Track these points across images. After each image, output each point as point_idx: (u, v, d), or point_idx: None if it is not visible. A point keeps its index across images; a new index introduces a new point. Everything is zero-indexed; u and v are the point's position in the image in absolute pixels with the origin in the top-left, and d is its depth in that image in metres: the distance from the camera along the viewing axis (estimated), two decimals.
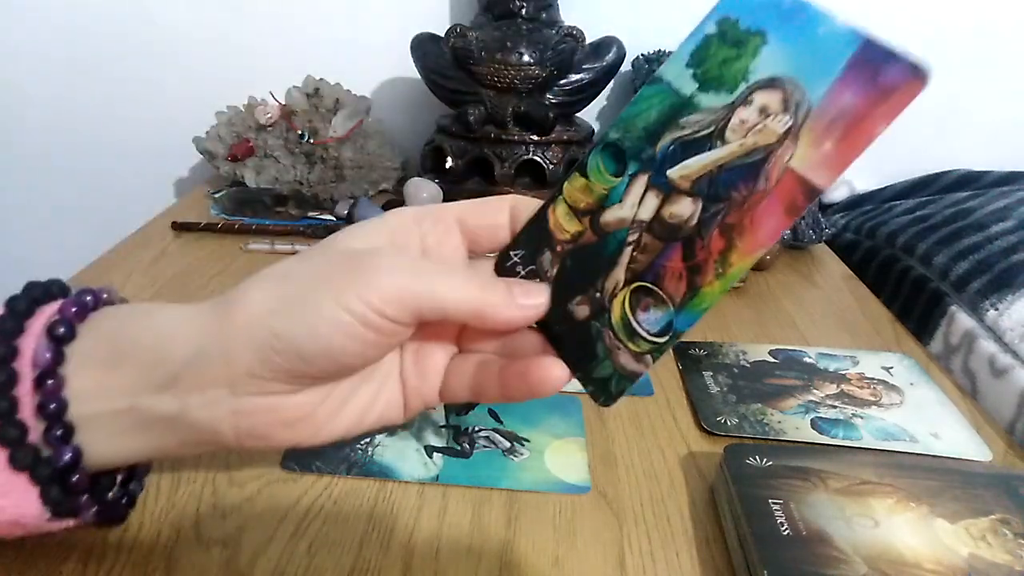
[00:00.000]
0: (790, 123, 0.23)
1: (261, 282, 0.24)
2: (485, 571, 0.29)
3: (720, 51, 0.24)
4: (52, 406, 0.24)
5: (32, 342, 0.24)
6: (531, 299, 0.25)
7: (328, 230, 0.61)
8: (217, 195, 0.69)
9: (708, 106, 0.23)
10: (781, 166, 0.23)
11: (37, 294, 0.26)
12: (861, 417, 0.40)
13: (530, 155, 0.60)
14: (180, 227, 0.61)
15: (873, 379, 0.44)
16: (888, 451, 0.38)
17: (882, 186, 0.77)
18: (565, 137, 0.61)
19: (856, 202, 0.76)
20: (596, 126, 0.75)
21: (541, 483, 0.34)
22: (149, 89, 0.79)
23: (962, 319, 0.52)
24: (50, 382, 0.24)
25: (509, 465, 0.35)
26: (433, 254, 0.26)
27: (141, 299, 0.49)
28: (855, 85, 0.23)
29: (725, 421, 0.39)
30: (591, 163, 0.26)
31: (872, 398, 0.42)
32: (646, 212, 0.25)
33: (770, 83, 0.23)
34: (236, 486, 0.32)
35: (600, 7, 0.72)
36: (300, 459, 0.34)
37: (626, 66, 0.67)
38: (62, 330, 0.24)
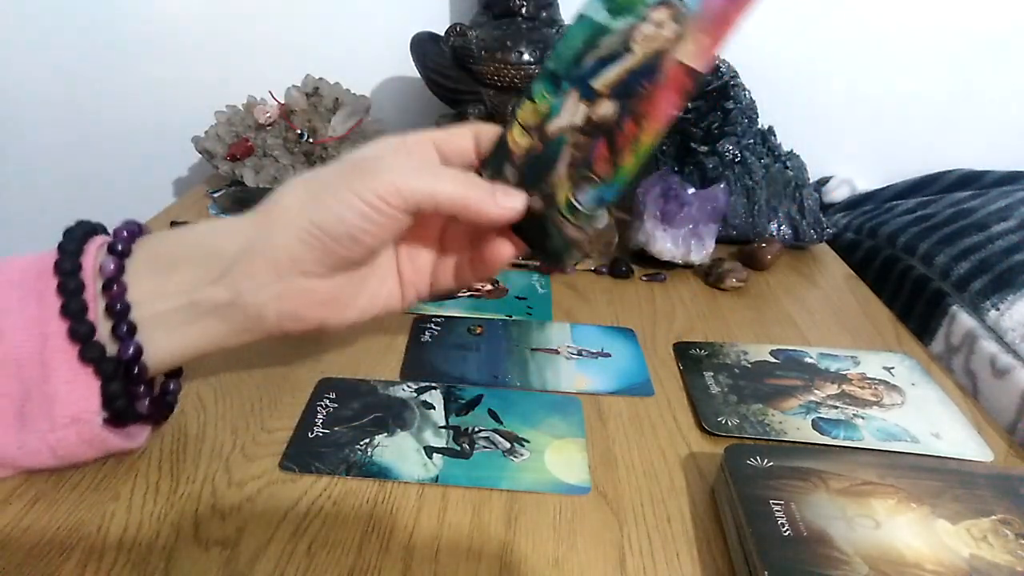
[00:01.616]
0: (677, 29, 0.30)
1: (291, 188, 0.30)
2: (485, 571, 0.29)
3: None
4: (118, 307, 0.29)
5: (91, 260, 0.30)
6: (510, 200, 0.32)
7: None
8: (216, 195, 0.69)
9: (618, 28, 0.31)
10: (673, 61, 0.30)
11: (88, 228, 0.32)
12: (862, 417, 0.40)
13: None
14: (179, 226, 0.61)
15: (874, 379, 0.44)
16: (889, 451, 0.38)
17: (883, 186, 0.77)
18: None
19: (857, 202, 0.76)
20: None
21: (541, 484, 0.34)
22: (148, 89, 0.79)
23: (963, 319, 0.52)
24: (115, 287, 0.29)
25: (509, 466, 0.35)
26: None
27: None
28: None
29: (726, 421, 0.39)
30: (535, 89, 0.33)
31: (873, 398, 0.42)
32: (579, 118, 0.32)
33: (661, 3, 0.31)
34: (236, 486, 0.32)
35: None
36: (300, 459, 0.34)
37: None
38: (120, 247, 0.30)
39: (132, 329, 0.29)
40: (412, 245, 0.35)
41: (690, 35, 0.31)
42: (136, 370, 0.30)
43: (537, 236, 0.34)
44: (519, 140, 0.33)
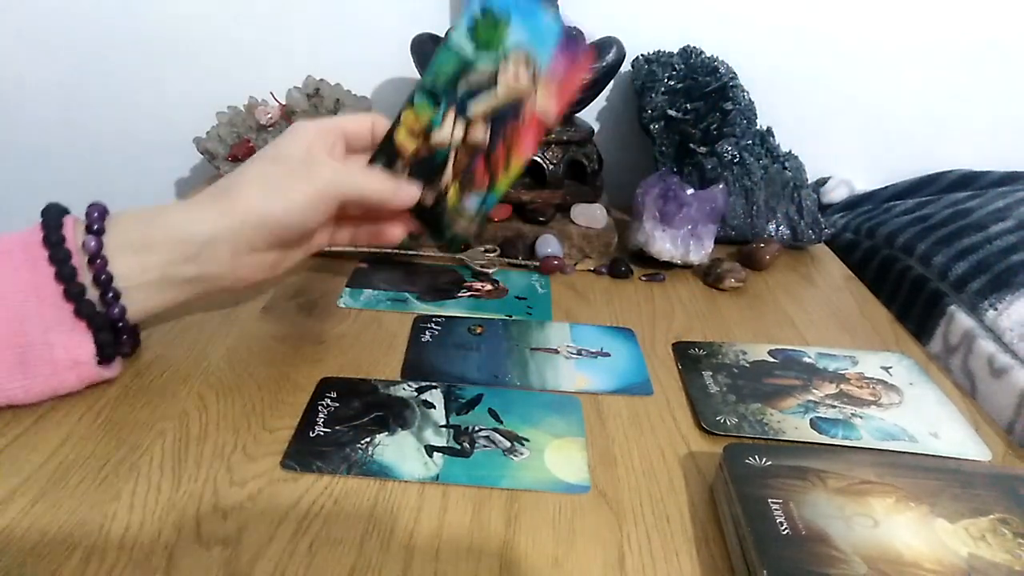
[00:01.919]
0: (532, 81, 0.40)
1: (248, 182, 0.38)
2: (485, 571, 0.29)
3: (485, 28, 0.40)
4: (103, 277, 0.35)
5: (71, 233, 0.36)
6: (409, 192, 0.42)
7: None
8: None
9: (484, 65, 0.40)
10: (530, 107, 0.40)
11: (59, 209, 0.37)
12: (860, 417, 0.40)
13: None
14: None
15: (872, 379, 0.45)
16: (887, 451, 0.38)
17: (882, 186, 0.77)
18: (565, 137, 0.61)
19: (855, 202, 0.76)
20: (596, 126, 0.75)
21: (541, 483, 0.34)
22: (149, 89, 0.79)
23: (961, 319, 0.52)
24: (98, 262, 0.35)
25: (509, 465, 0.35)
26: (333, 159, 0.41)
27: None
28: (561, 58, 0.40)
29: (725, 421, 0.39)
30: (416, 99, 0.41)
31: (871, 398, 0.42)
32: (458, 135, 0.41)
33: (518, 54, 0.39)
34: (236, 486, 0.33)
35: (600, 7, 0.72)
36: (300, 459, 0.34)
37: (626, 66, 0.67)
38: (95, 227, 0.36)
39: (117, 295, 0.36)
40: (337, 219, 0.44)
41: (542, 89, 0.40)
42: (121, 324, 0.37)
43: (432, 224, 0.44)
44: (405, 142, 0.42)
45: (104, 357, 0.37)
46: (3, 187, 0.84)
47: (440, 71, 0.40)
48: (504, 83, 0.39)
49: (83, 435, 0.35)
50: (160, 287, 0.37)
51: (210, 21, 0.76)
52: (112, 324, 0.36)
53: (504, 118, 0.40)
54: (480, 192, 0.42)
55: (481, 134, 0.41)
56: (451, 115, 0.41)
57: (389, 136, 0.42)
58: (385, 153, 0.42)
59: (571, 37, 0.40)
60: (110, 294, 0.36)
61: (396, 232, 0.44)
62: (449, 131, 0.41)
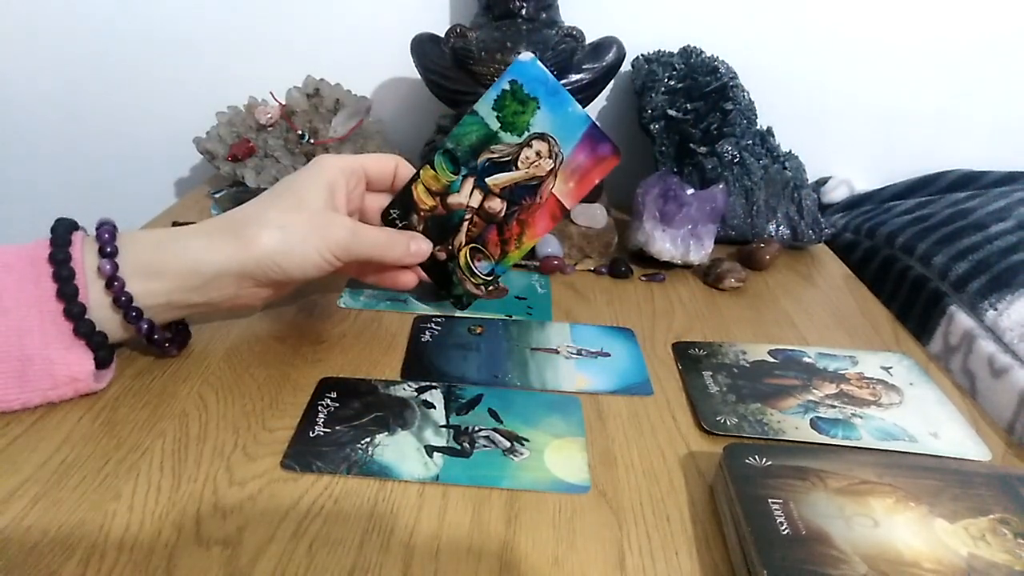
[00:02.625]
0: (552, 166, 0.42)
1: (267, 223, 0.38)
2: (485, 571, 0.29)
3: (512, 104, 0.41)
4: (123, 299, 0.36)
5: (79, 251, 0.36)
6: (420, 248, 0.44)
7: None
8: (217, 195, 0.69)
9: (507, 140, 0.42)
10: (548, 190, 0.42)
11: (68, 224, 0.38)
12: (860, 417, 0.40)
13: None
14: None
15: (872, 379, 0.44)
16: (887, 451, 0.38)
17: (882, 186, 0.77)
18: None
19: (855, 202, 0.76)
20: None
21: (541, 483, 0.34)
22: (149, 89, 0.79)
23: (961, 319, 0.52)
24: (116, 284, 0.36)
25: (509, 465, 0.35)
26: (353, 200, 0.43)
27: None
28: (584, 151, 0.42)
29: (725, 421, 0.39)
30: (437, 161, 0.43)
31: (871, 398, 0.42)
32: (474, 202, 0.43)
33: (542, 137, 0.41)
34: (236, 486, 0.33)
35: (600, 7, 0.72)
36: (300, 459, 0.34)
37: (626, 66, 0.67)
38: (108, 248, 0.36)
39: (140, 313, 0.37)
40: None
41: (561, 176, 0.42)
42: (156, 336, 0.39)
43: (442, 279, 0.46)
44: (423, 198, 0.43)
45: (104, 367, 0.38)
46: (3, 187, 0.84)
47: (463, 137, 0.42)
48: (525, 163, 0.41)
49: (83, 435, 0.35)
50: (162, 310, 0.38)
51: (210, 21, 0.76)
52: (148, 336, 0.38)
53: (520, 194, 0.42)
54: (491, 260, 0.45)
55: (498, 206, 0.43)
56: (470, 182, 0.43)
57: (408, 189, 0.44)
58: (402, 204, 0.44)
59: (598, 134, 0.41)
60: (132, 313, 0.37)
61: (406, 280, 0.45)
62: (466, 197, 0.43)
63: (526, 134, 0.41)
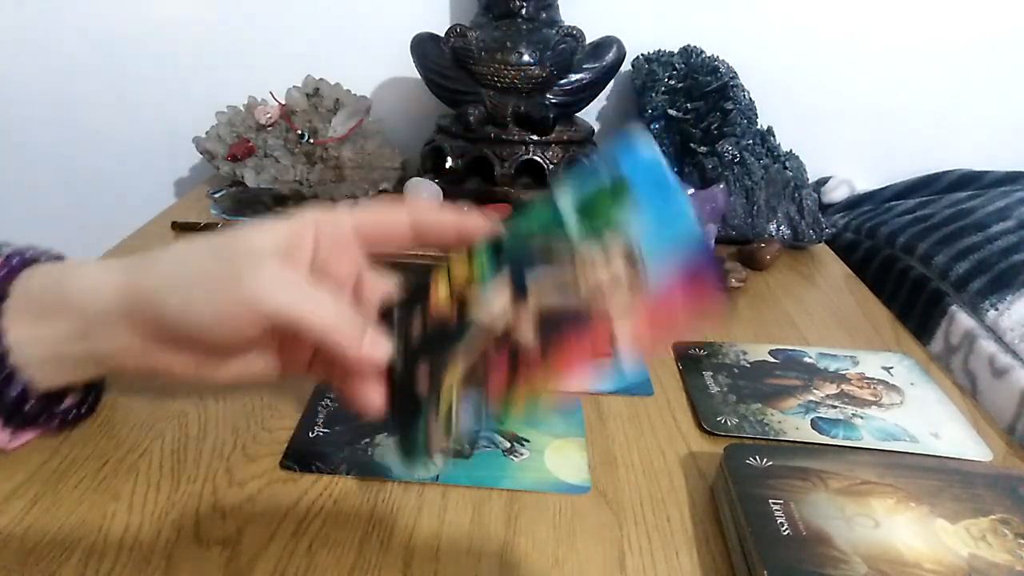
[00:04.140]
0: (624, 288, 0.27)
1: (176, 260, 0.29)
2: (485, 571, 0.29)
3: (604, 206, 0.28)
4: None
5: None
6: (375, 350, 0.28)
7: None
8: (217, 195, 0.69)
9: (574, 238, 0.28)
10: (604, 321, 0.27)
11: None
12: (861, 417, 0.40)
13: (530, 155, 0.60)
14: (180, 227, 0.61)
15: (873, 379, 0.44)
16: (888, 451, 0.38)
17: (882, 186, 0.77)
18: (565, 137, 0.61)
19: (856, 202, 0.76)
20: (596, 126, 0.75)
21: (541, 483, 0.34)
22: (149, 89, 0.79)
23: (962, 319, 0.52)
24: None
25: (509, 465, 0.35)
26: (323, 265, 0.30)
27: None
28: (678, 281, 0.27)
29: (725, 421, 0.39)
30: (478, 248, 0.30)
31: (872, 398, 0.42)
32: (499, 323, 0.28)
33: (623, 245, 0.27)
34: (236, 486, 0.32)
35: (600, 7, 0.72)
36: (300, 459, 0.34)
37: (626, 66, 0.67)
38: None
39: (12, 373, 0.30)
40: (288, 339, 0.31)
41: (630, 305, 0.27)
42: (28, 406, 0.31)
43: (405, 412, 0.29)
44: (441, 296, 0.30)
45: (22, 431, 0.32)
46: (3, 187, 0.84)
47: (524, 228, 0.29)
48: (586, 275, 0.27)
49: (82, 435, 0.35)
50: (59, 364, 0.30)
51: (210, 21, 0.76)
52: (17, 405, 0.30)
53: (562, 323, 0.27)
54: (482, 405, 0.28)
55: (527, 331, 0.28)
56: (505, 290, 0.29)
57: (424, 277, 0.31)
58: (411, 295, 0.31)
59: (706, 260, 0.27)
60: (4, 372, 0.29)
61: (365, 396, 0.29)
62: (491, 311, 0.29)
63: (607, 235, 0.27)
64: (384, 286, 0.32)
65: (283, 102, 0.69)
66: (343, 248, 0.30)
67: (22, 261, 0.31)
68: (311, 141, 0.68)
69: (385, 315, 0.30)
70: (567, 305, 0.27)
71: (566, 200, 0.29)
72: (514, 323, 0.28)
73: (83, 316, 0.29)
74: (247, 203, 0.67)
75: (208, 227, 0.61)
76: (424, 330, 0.29)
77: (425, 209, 0.31)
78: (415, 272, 0.31)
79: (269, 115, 0.68)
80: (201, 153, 0.70)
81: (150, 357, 0.29)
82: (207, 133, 0.70)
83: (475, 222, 0.30)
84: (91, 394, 0.35)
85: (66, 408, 0.34)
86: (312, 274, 0.29)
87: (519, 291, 0.28)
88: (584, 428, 0.38)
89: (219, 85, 0.76)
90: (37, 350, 0.30)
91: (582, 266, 0.27)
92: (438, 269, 0.30)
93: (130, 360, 0.30)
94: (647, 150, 0.28)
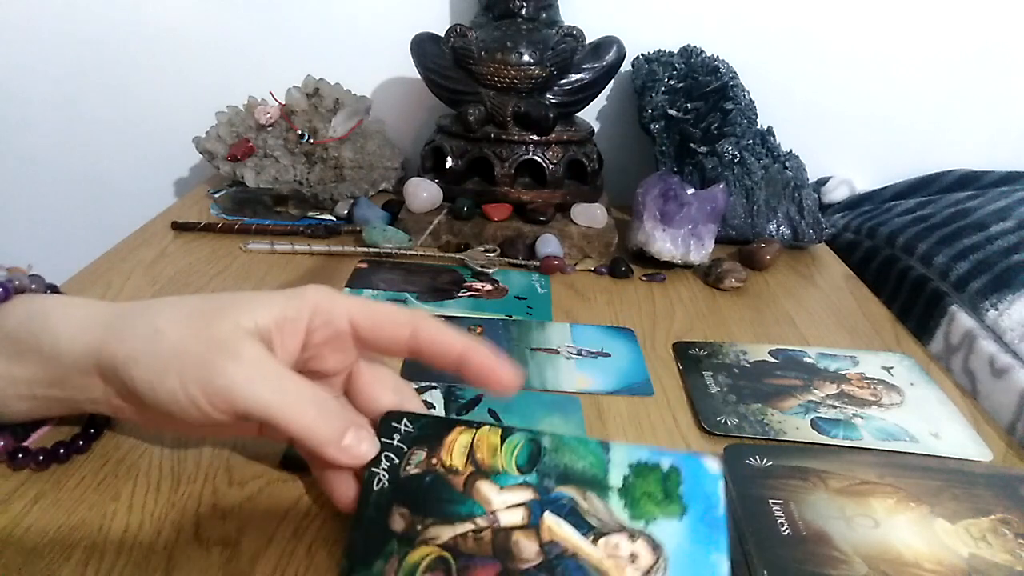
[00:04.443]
0: None
1: (143, 338, 0.27)
2: None
3: (650, 485, 0.27)
4: None
5: None
6: (354, 450, 0.27)
7: (328, 230, 0.61)
8: (217, 195, 0.69)
9: (611, 507, 0.27)
10: None
11: None
12: (861, 417, 0.40)
13: (530, 155, 0.60)
14: (180, 227, 0.61)
15: (873, 379, 0.44)
16: (888, 451, 0.38)
17: (882, 186, 0.77)
18: (565, 137, 0.61)
19: (856, 202, 0.76)
20: (596, 126, 0.75)
21: None
22: (149, 89, 0.79)
23: (962, 319, 0.52)
24: None
25: None
26: (315, 351, 0.29)
27: (141, 299, 0.49)
28: None
29: (725, 421, 0.39)
30: (514, 439, 0.28)
31: (872, 398, 0.42)
32: (506, 519, 0.26)
33: (652, 542, 0.26)
34: (236, 486, 0.32)
35: (600, 7, 0.72)
36: (300, 459, 0.34)
37: (626, 66, 0.67)
38: None
39: None
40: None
41: None
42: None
43: (367, 546, 0.27)
44: (456, 455, 0.28)
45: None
46: (3, 187, 0.84)
47: (569, 453, 0.28)
48: (608, 547, 0.26)
49: None
50: (32, 403, 0.30)
51: (210, 21, 0.76)
52: None
53: (570, 571, 0.25)
54: None
55: (530, 550, 0.26)
56: (526, 495, 0.27)
57: (445, 422, 0.29)
58: (425, 430, 0.29)
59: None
60: None
61: (339, 489, 0.29)
62: (505, 503, 0.27)
63: (640, 524, 0.26)
64: (382, 377, 0.31)
65: (283, 102, 0.69)
66: (338, 340, 0.29)
67: (4, 293, 0.30)
68: (311, 141, 0.68)
69: (388, 419, 0.29)
70: (577, 556, 0.26)
71: (619, 458, 0.28)
72: (516, 538, 0.26)
73: (59, 366, 0.28)
74: (247, 203, 0.67)
75: (208, 227, 0.61)
76: (424, 471, 0.28)
77: (431, 328, 0.29)
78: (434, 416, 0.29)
79: (269, 115, 0.68)
80: (201, 153, 0.70)
81: (126, 411, 0.29)
82: (207, 133, 0.70)
83: (481, 357, 0.29)
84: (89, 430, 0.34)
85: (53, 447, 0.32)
86: (303, 355, 0.29)
87: (533, 514, 0.27)
88: (584, 428, 0.38)
89: (219, 85, 0.76)
90: (11, 388, 0.29)
91: (603, 530, 0.26)
92: (466, 424, 0.29)
93: (106, 409, 0.30)
94: (714, 480, 0.27)
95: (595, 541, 0.26)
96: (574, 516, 0.27)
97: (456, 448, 0.28)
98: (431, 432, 0.29)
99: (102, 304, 0.30)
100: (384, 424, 0.29)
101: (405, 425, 0.29)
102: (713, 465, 0.27)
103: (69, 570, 0.28)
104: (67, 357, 0.28)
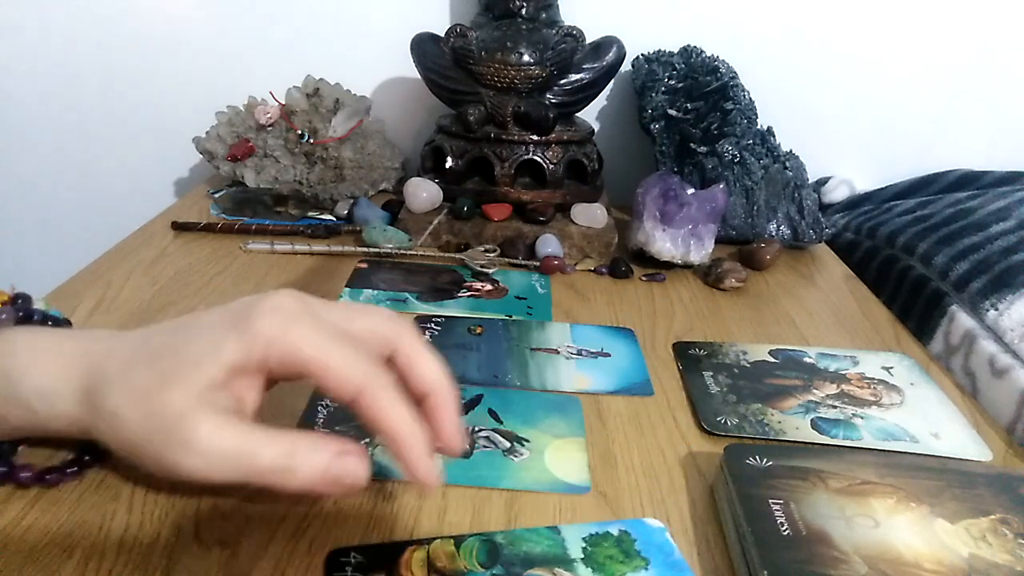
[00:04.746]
0: None
1: (108, 429, 0.27)
2: None
3: (612, 549, 0.30)
4: None
5: None
6: (343, 474, 0.27)
7: (328, 230, 0.61)
8: (217, 195, 0.69)
9: (580, 575, 0.28)
10: None
11: None
12: (861, 417, 0.40)
13: (530, 155, 0.60)
14: (180, 227, 0.61)
15: (873, 379, 0.44)
16: (888, 451, 0.38)
17: (882, 186, 0.77)
18: (565, 137, 0.61)
19: (856, 202, 0.76)
20: (596, 126, 0.75)
21: (541, 483, 0.34)
22: (149, 89, 0.79)
23: (962, 319, 0.52)
24: None
25: (509, 465, 0.35)
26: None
27: (141, 299, 0.49)
28: None
29: (725, 421, 0.39)
30: (468, 543, 0.30)
31: (872, 398, 0.42)
32: None
33: None
34: (236, 486, 0.32)
35: (600, 7, 0.72)
36: None
37: (626, 66, 0.67)
38: None
39: None
40: None
41: None
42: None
43: None
44: (416, 568, 0.28)
45: None
46: (3, 188, 0.84)
47: (524, 542, 0.30)
48: None
49: None
50: (9, 432, 0.30)
51: (210, 21, 0.76)
52: None
53: None
54: None
55: None
56: None
57: (392, 549, 0.29)
58: (375, 555, 0.29)
59: None
60: None
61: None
62: None
63: None
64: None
65: (283, 102, 0.69)
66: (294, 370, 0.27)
67: None
68: (311, 141, 0.68)
69: (335, 556, 0.29)
70: None
71: (571, 533, 0.30)
72: None
73: (35, 416, 0.28)
74: (247, 203, 0.67)
75: (208, 227, 0.61)
76: None
77: (378, 403, 0.26)
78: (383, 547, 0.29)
79: (269, 115, 0.68)
80: (201, 153, 0.70)
81: (109, 449, 0.29)
82: (207, 133, 0.70)
83: (412, 457, 0.26)
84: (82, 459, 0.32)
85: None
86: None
87: None
88: (584, 428, 0.38)
89: (219, 85, 0.76)
90: None
91: None
92: (416, 543, 0.30)
93: (86, 439, 0.29)
94: (661, 535, 0.31)
95: None
96: None
97: (414, 564, 0.29)
98: (384, 558, 0.29)
99: (72, 351, 0.29)
100: (331, 563, 0.28)
101: (354, 557, 0.29)
102: (655, 522, 0.32)
103: (69, 570, 0.28)
104: (43, 412, 0.28)
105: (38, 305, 0.36)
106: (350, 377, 0.26)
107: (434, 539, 0.30)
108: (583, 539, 0.30)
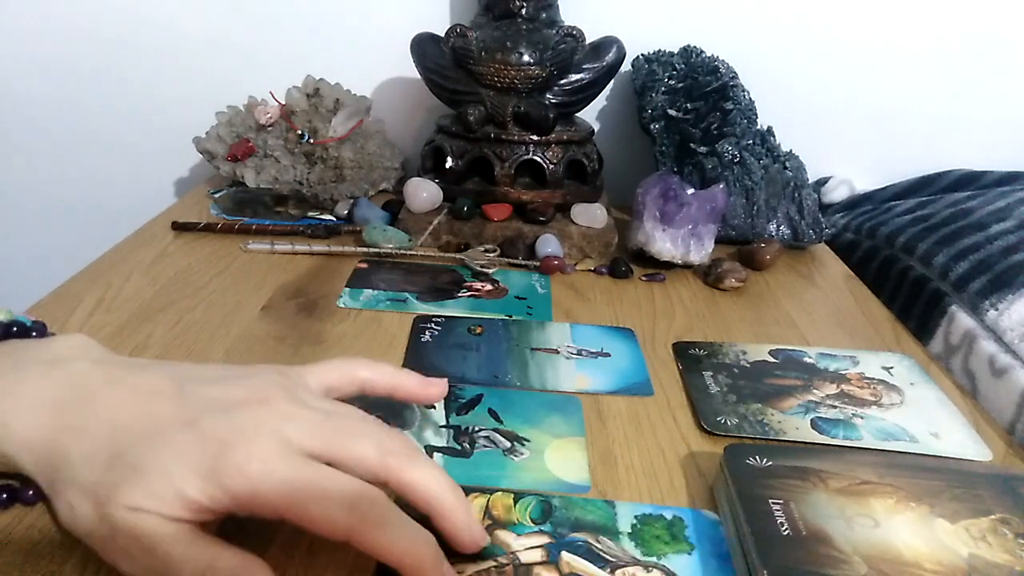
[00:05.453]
0: None
1: (67, 518, 0.26)
2: None
3: (661, 530, 0.31)
4: None
5: None
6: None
7: (328, 230, 0.61)
8: (217, 195, 0.69)
9: (623, 547, 0.30)
10: None
11: None
12: (861, 417, 0.40)
13: (530, 155, 0.60)
14: (180, 227, 0.61)
15: (873, 379, 0.44)
16: (888, 451, 0.38)
17: (882, 186, 0.77)
18: (565, 137, 0.61)
19: (856, 202, 0.76)
20: (596, 126, 0.75)
21: (541, 483, 0.34)
22: (149, 89, 0.79)
23: (962, 319, 0.52)
24: None
25: (509, 465, 0.35)
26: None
27: (141, 299, 0.49)
28: None
29: (725, 421, 0.39)
30: (526, 499, 0.32)
31: (872, 398, 0.42)
32: (525, 558, 0.29)
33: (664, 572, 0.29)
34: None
35: (600, 7, 0.72)
36: None
37: (626, 66, 0.67)
38: None
39: None
40: None
41: None
42: None
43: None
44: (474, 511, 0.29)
45: None
46: (3, 188, 0.84)
47: (580, 507, 0.32)
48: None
49: None
50: None
51: (210, 21, 0.76)
52: None
53: None
54: None
55: None
56: (542, 539, 0.30)
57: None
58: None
59: None
60: None
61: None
62: (523, 546, 0.30)
63: (652, 559, 0.30)
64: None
65: (283, 102, 0.69)
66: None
67: None
68: (311, 141, 0.68)
69: None
70: None
71: (625, 509, 0.32)
72: (539, 574, 0.28)
73: (7, 464, 0.28)
74: (247, 203, 0.67)
75: (208, 227, 0.61)
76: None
77: (371, 540, 0.25)
78: None
79: (269, 115, 0.68)
80: (201, 153, 0.70)
81: None
82: (207, 133, 0.70)
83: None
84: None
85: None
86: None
87: (548, 554, 0.29)
88: (584, 428, 0.38)
89: (219, 85, 0.76)
90: None
91: (619, 564, 0.29)
92: (479, 490, 0.32)
93: None
94: (714, 524, 0.32)
95: (612, 573, 0.29)
96: (590, 555, 0.30)
97: (474, 507, 0.31)
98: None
99: (45, 416, 0.28)
100: None
101: None
102: (712, 514, 0.32)
103: (69, 570, 0.28)
104: (12, 466, 0.28)
105: None
106: (334, 524, 0.25)
107: (497, 490, 0.33)
108: (635, 516, 0.32)
